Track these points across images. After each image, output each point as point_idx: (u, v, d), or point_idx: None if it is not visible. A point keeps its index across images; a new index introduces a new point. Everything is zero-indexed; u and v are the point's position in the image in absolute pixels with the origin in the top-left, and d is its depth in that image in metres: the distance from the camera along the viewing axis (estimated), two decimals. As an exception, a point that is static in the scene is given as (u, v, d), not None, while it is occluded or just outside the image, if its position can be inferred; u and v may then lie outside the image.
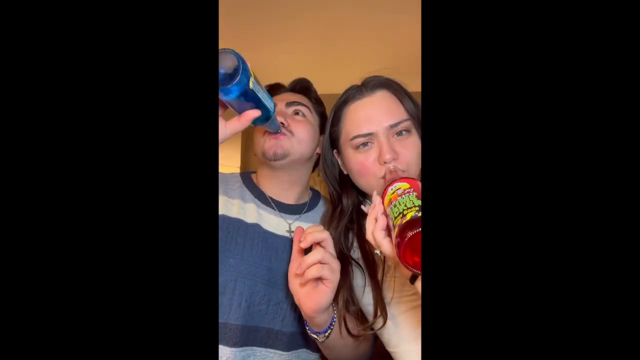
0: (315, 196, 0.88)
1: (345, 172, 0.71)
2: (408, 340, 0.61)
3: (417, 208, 0.43)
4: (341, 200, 0.73)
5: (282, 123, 0.74)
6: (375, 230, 0.50)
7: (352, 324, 0.64)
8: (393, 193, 0.50)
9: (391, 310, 0.63)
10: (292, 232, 0.77)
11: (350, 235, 0.71)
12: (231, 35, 1.97)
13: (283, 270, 0.75)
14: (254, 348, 0.70)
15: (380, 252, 0.51)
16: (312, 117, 0.82)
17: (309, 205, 0.85)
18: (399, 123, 0.62)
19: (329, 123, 0.71)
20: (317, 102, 0.86)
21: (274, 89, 0.84)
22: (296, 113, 0.80)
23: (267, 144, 0.77)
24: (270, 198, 0.82)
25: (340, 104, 0.69)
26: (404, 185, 0.50)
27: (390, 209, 0.48)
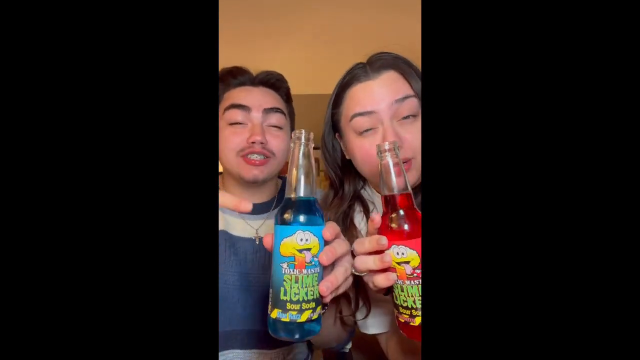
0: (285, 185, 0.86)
1: (347, 157, 0.67)
2: (372, 315, 0.63)
3: None
4: (343, 186, 0.69)
5: (261, 142, 0.70)
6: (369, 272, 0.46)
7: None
8: (400, 262, 0.42)
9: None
10: (260, 237, 0.74)
11: (348, 220, 0.67)
12: (231, 35, 2.07)
13: (254, 272, 0.74)
14: (235, 351, 0.68)
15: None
16: (286, 123, 0.78)
17: (278, 199, 0.81)
18: (404, 98, 0.57)
19: (330, 105, 0.66)
20: (287, 100, 0.80)
21: (237, 74, 0.76)
22: (274, 125, 0.74)
23: (246, 169, 0.72)
24: None
25: (343, 85, 0.63)
26: (414, 258, 0.42)
27: (397, 288, 0.44)
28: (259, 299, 0.71)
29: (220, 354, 0.67)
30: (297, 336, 0.40)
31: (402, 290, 0.43)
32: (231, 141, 0.71)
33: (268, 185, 0.79)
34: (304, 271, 0.40)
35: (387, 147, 0.45)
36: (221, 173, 0.82)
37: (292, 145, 0.43)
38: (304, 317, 0.39)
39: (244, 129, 0.72)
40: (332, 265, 0.44)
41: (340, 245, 0.44)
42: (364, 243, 0.45)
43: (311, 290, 0.40)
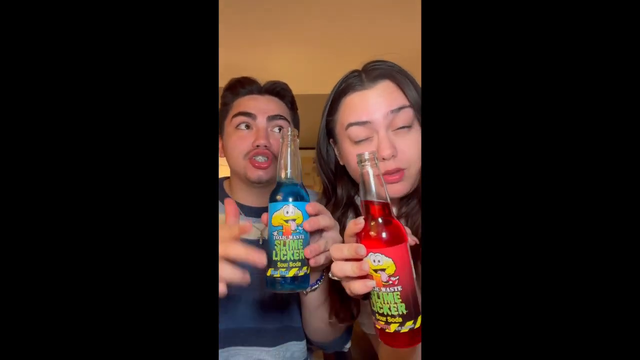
0: None
1: (342, 163, 0.68)
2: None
3: (400, 320, 0.43)
4: (335, 192, 0.71)
5: (265, 145, 0.77)
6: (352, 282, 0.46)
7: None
8: (377, 270, 0.44)
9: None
10: (264, 238, 0.76)
11: (340, 227, 0.67)
12: (231, 34, 2.06)
13: (257, 272, 0.75)
14: (238, 348, 0.71)
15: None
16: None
17: None
18: (399, 109, 0.58)
19: (325, 112, 0.67)
20: (292, 108, 0.88)
21: (246, 84, 0.84)
22: (278, 130, 0.81)
23: (251, 171, 0.79)
24: (238, 203, 0.83)
25: (338, 92, 0.64)
26: (390, 265, 0.43)
27: (374, 295, 0.45)
28: (261, 298, 0.74)
29: (222, 350, 0.70)
30: (286, 288, 0.50)
31: (379, 297, 0.44)
32: (238, 145, 0.80)
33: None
34: (290, 237, 0.50)
35: (367, 156, 0.47)
36: (228, 178, 0.90)
37: (281, 140, 0.56)
38: (291, 273, 0.50)
39: (250, 133, 0.80)
40: (320, 236, 0.54)
41: (324, 219, 0.53)
42: (342, 250, 0.46)
43: (297, 252, 0.50)
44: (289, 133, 0.55)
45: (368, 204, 0.47)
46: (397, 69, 0.62)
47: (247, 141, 0.79)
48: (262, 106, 0.82)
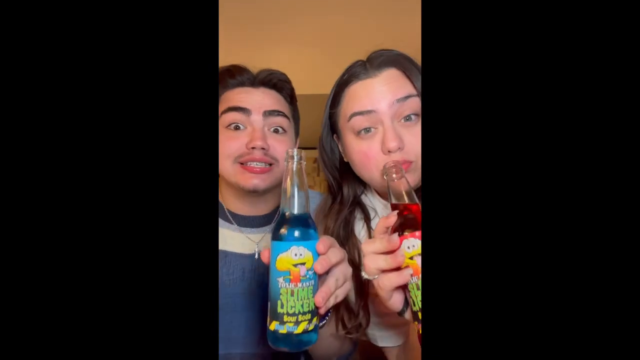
0: None
1: (345, 160, 0.63)
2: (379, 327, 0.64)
3: None
4: (341, 190, 0.65)
5: (262, 147, 0.65)
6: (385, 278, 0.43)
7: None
8: (412, 256, 0.41)
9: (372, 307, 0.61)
10: (260, 251, 0.69)
11: (348, 227, 0.64)
12: (227, 32, 2.06)
13: (251, 291, 0.70)
14: None
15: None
16: (290, 126, 0.72)
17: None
18: (406, 97, 0.54)
19: (328, 104, 0.62)
20: (292, 102, 0.75)
21: (236, 73, 0.70)
22: (276, 130, 0.69)
23: (245, 178, 0.66)
24: (230, 212, 0.73)
25: (341, 83, 0.60)
26: None
27: (413, 290, 0.42)
28: (255, 321, 0.68)
29: None
30: (294, 347, 0.42)
31: (419, 289, 0.41)
32: (228, 147, 0.66)
33: (270, 195, 0.73)
34: (299, 285, 0.41)
35: (392, 164, 0.47)
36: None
37: (285, 163, 0.45)
38: (300, 329, 0.41)
39: (243, 133, 0.67)
40: (327, 273, 0.45)
41: (335, 254, 0.45)
42: (374, 242, 0.44)
43: (306, 303, 0.42)
44: (295, 154, 0.45)
45: (397, 205, 0.46)
46: (403, 56, 0.58)
47: (239, 142, 0.66)
48: (257, 100, 0.68)
